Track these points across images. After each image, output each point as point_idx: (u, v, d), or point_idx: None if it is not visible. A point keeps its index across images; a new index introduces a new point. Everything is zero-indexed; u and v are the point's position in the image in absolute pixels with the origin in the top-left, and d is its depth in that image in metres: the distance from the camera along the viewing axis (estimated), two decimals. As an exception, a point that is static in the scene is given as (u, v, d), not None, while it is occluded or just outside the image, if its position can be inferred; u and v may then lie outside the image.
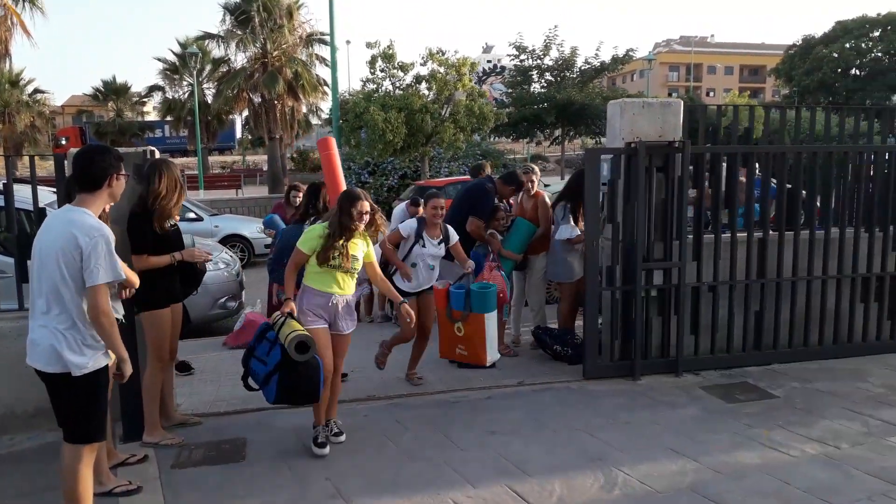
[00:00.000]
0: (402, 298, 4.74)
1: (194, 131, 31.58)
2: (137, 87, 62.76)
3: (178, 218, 4.76)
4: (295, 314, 4.24)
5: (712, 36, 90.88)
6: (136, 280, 3.60)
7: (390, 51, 15.90)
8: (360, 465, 4.21)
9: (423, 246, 5.41)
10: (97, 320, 3.08)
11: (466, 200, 6.45)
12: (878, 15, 44.40)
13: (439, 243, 5.48)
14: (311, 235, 4.35)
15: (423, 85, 16.17)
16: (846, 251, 6.16)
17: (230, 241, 13.44)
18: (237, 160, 49.14)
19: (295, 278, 4.43)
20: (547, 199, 6.86)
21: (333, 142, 6.29)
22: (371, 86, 16.40)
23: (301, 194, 7.88)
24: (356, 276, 4.48)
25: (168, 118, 39.43)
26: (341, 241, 4.28)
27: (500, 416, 4.91)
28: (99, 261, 3.02)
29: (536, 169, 7.00)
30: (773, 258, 5.98)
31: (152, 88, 39.43)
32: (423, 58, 16.17)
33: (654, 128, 5.68)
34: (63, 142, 38.01)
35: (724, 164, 5.88)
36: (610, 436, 4.51)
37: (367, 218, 4.34)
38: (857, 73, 44.19)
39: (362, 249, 4.44)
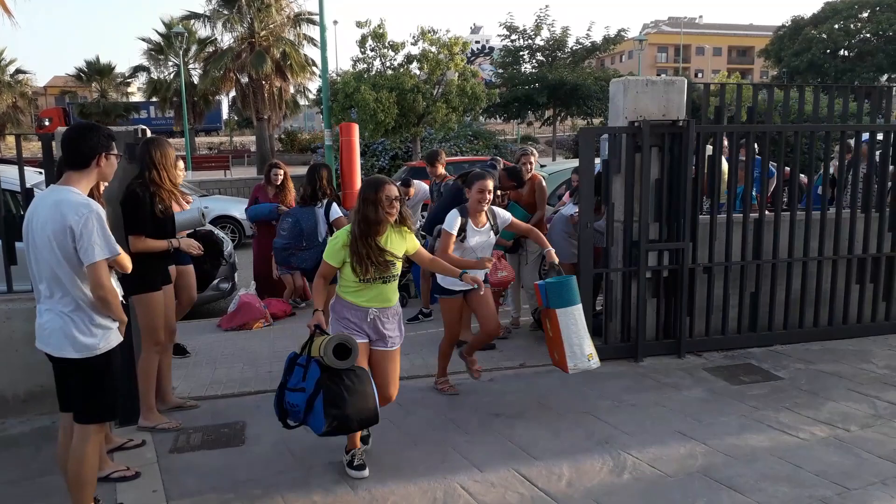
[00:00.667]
0: (460, 271, 4.12)
1: (180, 112, 31.14)
2: (122, 67, 61.97)
3: (187, 201, 4.69)
4: (324, 327, 3.66)
5: (700, 17, 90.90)
6: (127, 263, 3.46)
7: (381, 30, 15.66)
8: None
9: (464, 240, 4.68)
10: (100, 297, 3.01)
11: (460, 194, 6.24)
12: (868, -5, 44.32)
13: (487, 231, 4.77)
14: (336, 246, 3.73)
15: (415, 65, 15.96)
16: (844, 232, 6.11)
17: (220, 222, 13.26)
18: (224, 141, 48.63)
19: (324, 292, 3.88)
20: (544, 183, 6.75)
21: (356, 128, 7.03)
22: (361, 65, 16.18)
23: (281, 172, 7.78)
24: (397, 278, 3.85)
25: (153, 99, 38.82)
26: (372, 243, 3.69)
27: (503, 399, 4.83)
28: (92, 237, 2.93)
29: (534, 151, 6.88)
30: (771, 239, 5.92)
31: (137, 69, 38.88)
32: (414, 37, 15.96)
33: (657, 106, 5.58)
34: (46, 122, 37.47)
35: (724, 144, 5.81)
36: (616, 418, 4.45)
37: (397, 205, 3.70)
38: (846, 54, 44.18)
39: (400, 246, 3.84)
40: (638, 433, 4.22)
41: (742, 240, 5.85)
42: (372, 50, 15.93)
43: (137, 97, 48.31)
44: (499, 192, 6.40)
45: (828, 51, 43.95)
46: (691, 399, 4.78)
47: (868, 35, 43.42)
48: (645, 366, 5.52)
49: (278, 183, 7.82)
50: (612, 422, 4.39)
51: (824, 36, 43.82)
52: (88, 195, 3.12)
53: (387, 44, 15.79)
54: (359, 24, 15.55)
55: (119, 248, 3.05)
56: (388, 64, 16.15)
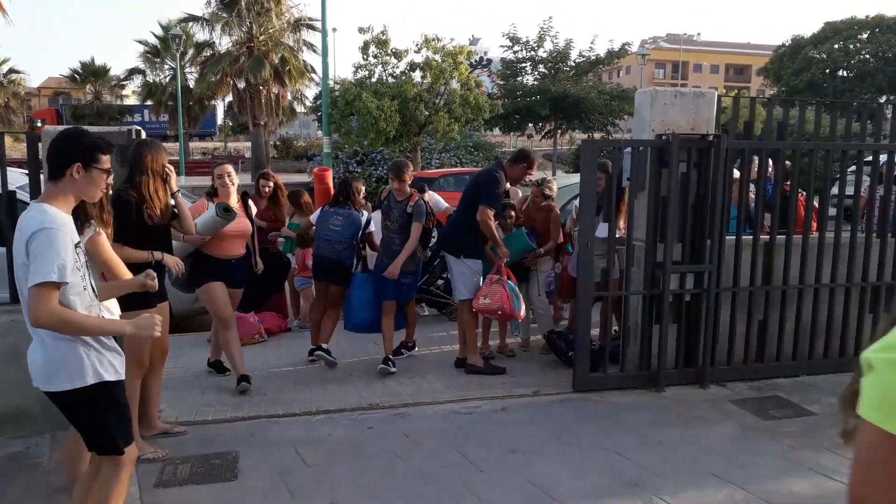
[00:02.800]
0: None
1: (175, 116, 30.72)
2: (117, 69, 61.56)
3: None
4: None
5: (699, 34, 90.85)
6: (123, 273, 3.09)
7: (384, 36, 15.34)
8: (367, 486, 3.74)
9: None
10: (40, 326, 2.54)
11: (474, 188, 5.80)
12: (867, 17, 44.40)
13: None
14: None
15: (417, 73, 15.64)
16: (871, 258, 5.77)
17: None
18: (218, 147, 48.20)
19: None
20: (559, 212, 6.42)
21: (330, 174, 7.93)
22: (363, 72, 15.84)
23: (271, 183, 7.13)
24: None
25: (148, 102, 38.39)
26: None
27: (518, 431, 4.46)
28: (32, 256, 2.49)
29: (553, 184, 6.49)
30: (796, 264, 5.59)
31: (132, 71, 38.36)
32: (417, 45, 15.63)
33: (686, 119, 5.25)
34: (39, 123, 36.94)
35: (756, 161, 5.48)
36: (643, 457, 4.08)
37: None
38: (846, 74, 44.19)
39: None
40: (669, 475, 3.85)
41: (772, 263, 5.51)
42: (374, 57, 15.61)
43: (132, 100, 47.86)
44: (512, 208, 6.09)
45: (827, 70, 43.98)
46: (722, 436, 4.42)
47: (868, 56, 43.47)
48: (667, 396, 5.16)
49: (268, 194, 7.18)
50: (640, 461, 4.02)
51: (824, 56, 43.86)
52: (83, 214, 2.76)
53: (389, 51, 15.47)
54: (361, 30, 15.23)
55: (52, 278, 2.47)
56: (389, 71, 15.82)
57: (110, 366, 2.75)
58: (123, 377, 2.84)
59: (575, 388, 5.23)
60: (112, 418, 2.78)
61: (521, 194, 6.83)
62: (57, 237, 2.52)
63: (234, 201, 4.97)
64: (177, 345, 6.40)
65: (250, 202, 5.27)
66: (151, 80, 36.20)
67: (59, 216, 2.59)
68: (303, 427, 4.54)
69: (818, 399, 5.10)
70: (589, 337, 5.31)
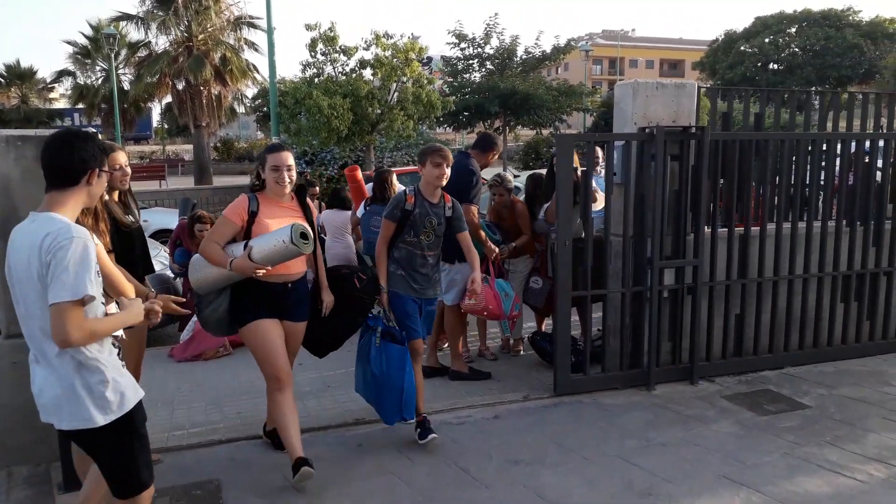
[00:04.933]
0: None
1: (109, 119, 29.48)
2: (44, 72, 58.95)
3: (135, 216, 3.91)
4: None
5: (633, 30, 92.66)
6: (127, 291, 2.77)
7: (332, 33, 14.93)
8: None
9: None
10: (68, 346, 2.33)
11: (452, 186, 5.55)
12: (795, 11, 46.03)
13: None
14: None
15: (368, 70, 15.29)
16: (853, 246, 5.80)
17: (161, 236, 12.27)
18: (156, 150, 46.63)
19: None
20: (524, 208, 6.23)
21: (358, 170, 7.46)
22: (312, 70, 15.40)
23: (207, 226, 6.74)
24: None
25: (79, 105, 36.76)
26: None
27: (516, 440, 4.26)
28: (57, 270, 2.27)
29: (509, 181, 6.28)
30: (787, 255, 5.57)
31: (61, 73, 36.59)
32: (366, 42, 15.28)
33: (668, 112, 5.14)
34: (-39, 130, 34.95)
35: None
36: (650, 462, 3.93)
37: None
38: (777, 67, 45.66)
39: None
40: (680, 480, 3.71)
41: (747, 256, 5.46)
42: (323, 54, 15.19)
43: (62, 103, 45.86)
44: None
45: (759, 64, 45.38)
46: (723, 435, 4.32)
47: (797, 49, 45.00)
48: (659, 395, 5.04)
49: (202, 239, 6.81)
50: (648, 466, 3.87)
51: (756, 50, 45.22)
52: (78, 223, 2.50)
53: (338, 48, 15.08)
54: (308, 27, 14.78)
55: (85, 292, 2.29)
56: (339, 69, 15.42)
57: (127, 391, 2.52)
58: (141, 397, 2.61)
59: (557, 391, 5.06)
60: (136, 453, 2.58)
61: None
62: (88, 248, 2.34)
63: (287, 199, 3.80)
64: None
65: (309, 199, 4.00)
66: (82, 83, 34.64)
67: (79, 227, 2.38)
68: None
69: (808, 391, 5.07)
70: (569, 338, 5.16)
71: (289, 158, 3.71)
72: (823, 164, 5.80)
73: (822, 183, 5.92)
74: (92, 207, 2.80)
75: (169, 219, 13.29)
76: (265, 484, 3.79)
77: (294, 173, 3.75)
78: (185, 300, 3.09)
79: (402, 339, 4.15)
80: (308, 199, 3.96)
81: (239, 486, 3.76)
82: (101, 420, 2.42)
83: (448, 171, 4.20)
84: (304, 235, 3.49)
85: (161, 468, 3.97)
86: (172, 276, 7.06)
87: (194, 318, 6.71)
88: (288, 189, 3.72)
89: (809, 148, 5.67)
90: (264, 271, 3.51)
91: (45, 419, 2.52)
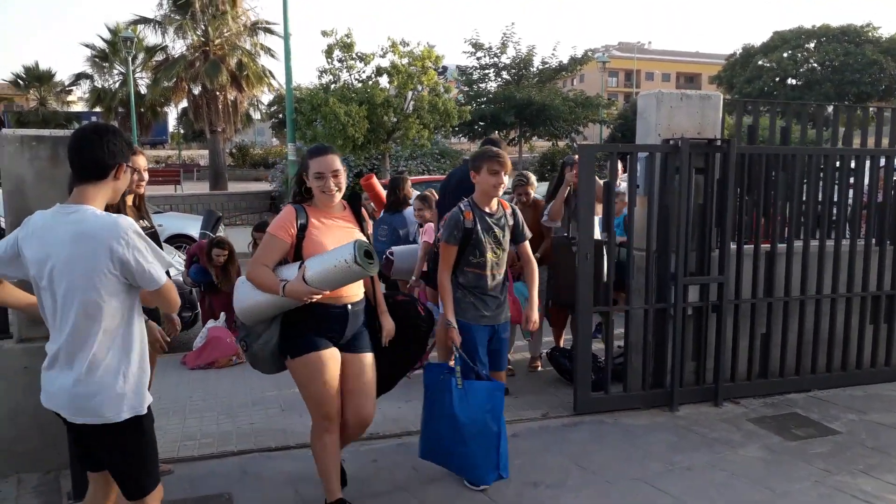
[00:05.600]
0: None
1: (125, 124, 29.63)
2: (63, 74, 59.54)
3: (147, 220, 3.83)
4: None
5: (650, 42, 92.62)
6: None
7: (348, 40, 14.91)
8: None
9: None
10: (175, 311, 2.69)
11: (458, 194, 5.34)
12: (813, 26, 45.72)
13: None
14: None
15: (384, 78, 15.24)
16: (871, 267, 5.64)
17: (175, 241, 12.26)
18: (171, 154, 46.89)
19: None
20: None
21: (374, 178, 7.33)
22: (328, 77, 15.38)
23: (226, 253, 6.82)
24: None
25: (97, 109, 37.03)
26: None
27: (536, 461, 4.13)
28: (147, 258, 2.38)
29: (532, 179, 6.18)
30: (799, 273, 5.41)
31: (79, 76, 36.94)
32: (383, 49, 15.25)
33: (692, 123, 5.02)
34: (-20, 130, 35.29)
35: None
36: (676, 487, 3.78)
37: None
38: (795, 82, 45.35)
39: None
40: (708, 507, 3.57)
41: (786, 273, 5.32)
42: (339, 61, 15.16)
43: (79, 106, 46.20)
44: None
45: (777, 79, 45.07)
46: (750, 460, 4.17)
47: (815, 64, 44.68)
48: (682, 416, 4.90)
49: (220, 264, 6.81)
50: (674, 492, 3.73)
51: (774, 65, 44.93)
52: None
53: (354, 54, 15.04)
54: (325, 34, 14.78)
55: (170, 262, 2.58)
56: (355, 76, 15.39)
57: (144, 392, 2.53)
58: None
59: (577, 410, 4.93)
60: (146, 454, 2.57)
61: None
62: (140, 229, 2.42)
63: (339, 209, 3.34)
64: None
65: (364, 211, 3.78)
66: (100, 86, 34.93)
67: (122, 216, 2.42)
68: (300, 462, 4.12)
69: (837, 416, 4.90)
70: (590, 355, 5.01)
71: (335, 162, 3.19)
72: (852, 180, 5.65)
73: (850, 200, 5.78)
74: (115, 204, 2.78)
75: (183, 223, 13.29)
76: (277, 499, 3.68)
77: (343, 179, 3.24)
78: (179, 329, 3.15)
79: (487, 377, 3.66)
80: (363, 210, 3.61)
81: (250, 500, 3.66)
82: (115, 417, 2.41)
83: (506, 180, 3.76)
84: (368, 254, 3.02)
85: (171, 479, 3.88)
86: (184, 284, 7.00)
87: (207, 326, 6.65)
88: (337, 198, 3.22)
89: (838, 164, 5.53)
90: (321, 296, 3.04)
91: (49, 405, 2.51)
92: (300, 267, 3.05)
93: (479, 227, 3.71)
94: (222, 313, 6.76)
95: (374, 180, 7.47)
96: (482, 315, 3.75)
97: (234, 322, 6.78)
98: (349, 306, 3.24)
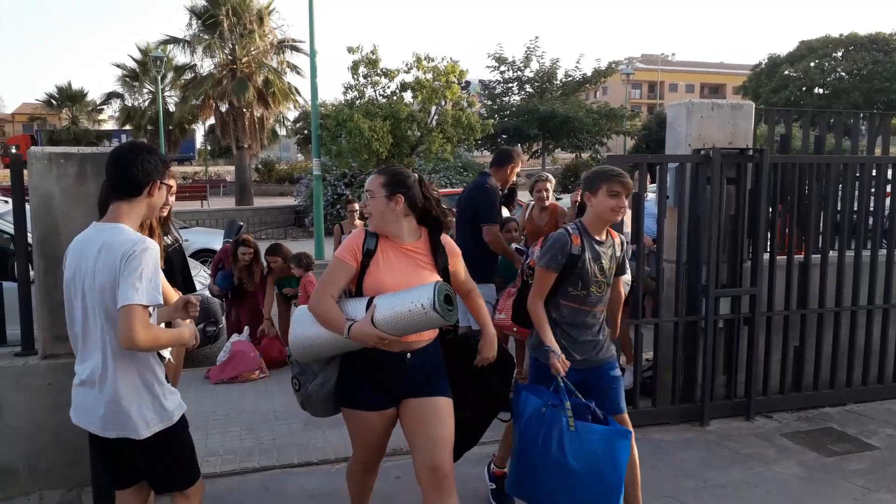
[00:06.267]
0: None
1: (154, 141, 30.10)
2: (94, 94, 60.79)
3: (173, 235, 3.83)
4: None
5: (673, 54, 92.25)
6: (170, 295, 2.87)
7: (373, 56, 15.02)
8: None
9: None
10: (134, 349, 2.36)
11: (470, 207, 5.16)
12: (841, 35, 45.17)
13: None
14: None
15: (409, 93, 15.31)
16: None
17: (201, 255, 12.33)
18: (198, 171, 47.53)
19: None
20: (566, 210, 6.06)
21: None
22: (353, 93, 15.49)
23: (251, 251, 6.72)
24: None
25: (127, 127, 37.73)
26: None
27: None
28: (132, 277, 2.33)
29: (551, 178, 6.14)
30: (834, 284, 5.26)
31: (110, 95, 37.67)
32: (407, 65, 15.33)
33: (724, 133, 4.93)
34: (13, 150, 36.12)
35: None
36: (709, 505, 3.68)
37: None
38: (822, 91, 44.77)
39: None
40: (743, 527, 3.45)
41: (820, 284, 5.18)
42: (364, 77, 15.27)
43: (110, 125, 47.13)
44: (514, 221, 5.72)
45: (804, 88, 44.54)
46: (786, 477, 4.03)
47: (843, 73, 44.09)
48: (713, 431, 4.77)
49: (246, 262, 6.73)
50: (707, 510, 3.62)
51: (800, 74, 44.42)
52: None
53: (379, 70, 15.14)
54: (350, 50, 14.92)
55: (160, 300, 2.40)
56: (380, 92, 15.48)
57: (173, 404, 2.57)
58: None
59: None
60: (181, 461, 2.64)
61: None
62: (156, 259, 2.42)
63: (411, 236, 2.87)
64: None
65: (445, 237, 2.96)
66: (130, 105, 35.59)
67: (148, 238, 2.44)
68: (322, 478, 4.08)
69: (875, 430, 4.75)
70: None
71: (370, 183, 2.84)
72: (889, 189, 5.51)
73: (887, 209, 5.63)
74: (148, 221, 2.84)
75: (210, 238, 13.36)
76: (300, 516, 3.63)
77: (374, 203, 2.78)
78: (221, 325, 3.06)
79: (604, 417, 3.13)
80: (445, 238, 2.92)
81: (273, 518, 3.61)
82: (144, 432, 2.44)
83: (627, 205, 3.28)
84: (448, 299, 2.66)
85: (194, 496, 3.85)
86: (211, 295, 7.02)
87: (231, 340, 6.64)
88: (374, 223, 2.81)
89: (874, 172, 5.39)
90: (389, 340, 2.66)
91: (80, 422, 2.55)
92: (369, 305, 2.67)
93: (587, 255, 3.21)
94: (246, 327, 6.76)
95: None
96: (573, 358, 3.22)
97: (258, 337, 6.80)
98: (408, 355, 2.79)
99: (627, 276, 3.58)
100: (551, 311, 3.28)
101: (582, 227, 3.28)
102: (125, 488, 2.66)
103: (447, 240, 2.93)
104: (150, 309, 2.39)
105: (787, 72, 45.20)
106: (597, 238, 3.27)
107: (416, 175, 2.89)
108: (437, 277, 2.79)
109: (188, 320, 2.71)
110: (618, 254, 3.34)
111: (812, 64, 44.41)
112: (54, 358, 3.85)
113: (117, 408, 2.42)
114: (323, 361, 2.87)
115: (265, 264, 6.94)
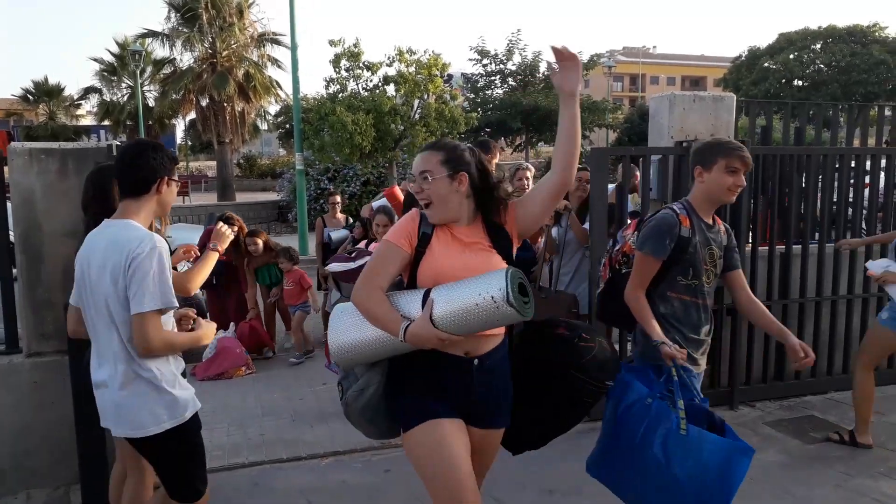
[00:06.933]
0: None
1: (133, 136, 29.82)
2: (71, 89, 59.99)
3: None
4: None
5: (654, 47, 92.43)
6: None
7: (356, 49, 14.96)
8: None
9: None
10: (148, 353, 2.41)
11: None
12: (819, 27, 45.59)
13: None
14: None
15: (391, 87, 15.28)
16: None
17: (184, 252, 12.24)
18: (179, 166, 47.05)
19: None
20: None
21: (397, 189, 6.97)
22: (335, 86, 15.43)
23: (235, 228, 6.72)
24: None
25: (105, 122, 37.31)
26: None
27: (550, 468, 4.06)
28: (145, 281, 2.35)
29: (531, 167, 6.14)
30: (815, 274, 5.35)
31: (88, 90, 37.25)
32: (389, 58, 15.29)
33: (705, 125, 4.97)
34: (-9, 145, 35.56)
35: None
36: (694, 493, 3.72)
37: None
38: (801, 83, 45.19)
39: None
40: (728, 514, 3.50)
41: (801, 274, 5.26)
42: (347, 70, 15.21)
43: (88, 120, 46.53)
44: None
45: (783, 80, 44.92)
46: (769, 464, 4.10)
47: (822, 66, 44.53)
48: (698, 420, 4.82)
49: (258, 252, 6.78)
50: (692, 498, 3.66)
51: (780, 67, 44.80)
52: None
53: (362, 63, 15.09)
54: (332, 43, 14.83)
55: (173, 302, 2.44)
56: (363, 85, 15.43)
57: (184, 402, 2.55)
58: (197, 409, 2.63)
59: (591, 415, 4.81)
60: (192, 462, 2.63)
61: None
62: (166, 258, 2.42)
63: (466, 220, 2.40)
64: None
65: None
66: (108, 100, 35.19)
67: (157, 235, 2.45)
68: (311, 473, 4.09)
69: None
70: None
71: (424, 162, 2.36)
72: (868, 180, 5.60)
73: (866, 200, 5.73)
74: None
75: (192, 235, 13.21)
76: (290, 511, 3.64)
77: (435, 186, 2.30)
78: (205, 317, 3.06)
79: (720, 424, 2.73)
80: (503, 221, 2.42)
81: (263, 513, 3.62)
82: (154, 429, 2.45)
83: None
84: (523, 289, 2.19)
85: (182, 493, 3.84)
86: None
87: (217, 336, 6.61)
88: (428, 209, 2.34)
89: (853, 164, 5.47)
90: (452, 341, 2.18)
91: (102, 423, 2.57)
92: (425, 299, 2.21)
93: (697, 238, 2.83)
94: (232, 324, 6.74)
95: (398, 190, 7.50)
96: (692, 360, 2.85)
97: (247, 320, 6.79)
98: (475, 362, 2.30)
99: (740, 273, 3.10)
100: (658, 305, 2.89)
101: (689, 206, 2.89)
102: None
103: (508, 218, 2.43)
104: (169, 309, 2.44)
105: (766, 64, 45.57)
106: (706, 222, 2.91)
107: (469, 145, 2.46)
108: (503, 263, 2.32)
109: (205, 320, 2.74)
110: (724, 242, 2.96)
111: (791, 56, 44.78)
112: (39, 356, 3.83)
113: (125, 406, 2.44)
114: (364, 366, 2.39)
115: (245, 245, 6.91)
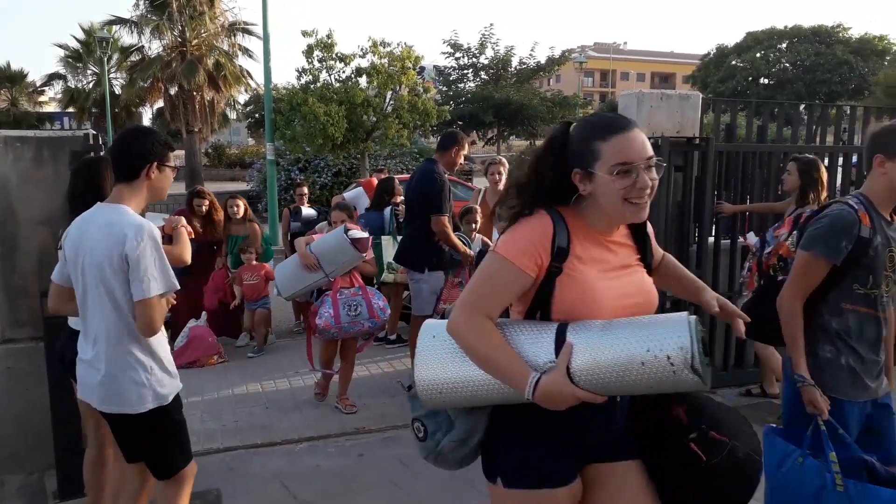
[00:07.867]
0: None
1: (100, 124, 29.32)
2: (34, 75, 58.50)
3: None
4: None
5: (625, 43, 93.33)
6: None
7: (329, 40, 14.92)
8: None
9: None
10: (153, 335, 2.53)
11: (418, 196, 5.13)
12: (785, 27, 46.52)
13: None
14: None
15: (364, 78, 15.27)
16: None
17: (153, 242, 12.14)
18: (146, 155, 46.36)
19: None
20: None
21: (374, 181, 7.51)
22: (307, 77, 15.37)
23: (206, 202, 6.66)
24: None
25: (70, 109, 36.57)
26: None
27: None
28: (149, 268, 2.42)
29: (504, 160, 6.23)
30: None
31: (52, 77, 36.50)
32: (363, 49, 15.28)
33: (672, 122, 5.13)
34: (-50, 132, 34.57)
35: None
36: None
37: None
38: (767, 81, 46.08)
39: None
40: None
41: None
42: (319, 61, 15.16)
43: (52, 107, 45.54)
44: (475, 211, 5.75)
45: (750, 78, 45.77)
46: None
47: (787, 64, 45.44)
48: (662, 407, 4.99)
49: (203, 213, 6.65)
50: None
51: (747, 65, 45.63)
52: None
53: (335, 55, 15.06)
54: (305, 34, 14.77)
55: (175, 283, 2.53)
56: (335, 76, 15.40)
57: (169, 382, 2.63)
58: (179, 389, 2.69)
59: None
60: (175, 439, 2.70)
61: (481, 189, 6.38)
62: (160, 242, 2.48)
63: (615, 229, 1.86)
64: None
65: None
66: (73, 86, 34.52)
67: (147, 220, 2.49)
68: (286, 458, 4.16)
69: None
70: None
71: (647, 145, 1.71)
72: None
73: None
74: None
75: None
76: (265, 494, 3.72)
77: (604, 178, 1.68)
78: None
79: (889, 477, 2.29)
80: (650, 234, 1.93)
81: (239, 495, 3.69)
82: (139, 408, 2.51)
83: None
84: (704, 347, 1.61)
85: (158, 478, 3.89)
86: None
87: (189, 325, 6.61)
88: (646, 212, 1.72)
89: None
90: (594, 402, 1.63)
91: (84, 397, 2.64)
92: (559, 341, 1.65)
93: (878, 239, 2.36)
94: (203, 313, 6.74)
95: (375, 182, 7.64)
96: (864, 386, 2.40)
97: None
98: (618, 398, 1.77)
99: None
100: (829, 319, 2.42)
101: (867, 201, 2.40)
102: (132, 463, 2.76)
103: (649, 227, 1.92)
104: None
105: (734, 62, 46.41)
106: (886, 218, 2.43)
107: None
108: (656, 289, 1.82)
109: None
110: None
111: (758, 55, 45.66)
112: (13, 343, 3.83)
113: (113, 383, 2.50)
114: (464, 409, 1.81)
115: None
